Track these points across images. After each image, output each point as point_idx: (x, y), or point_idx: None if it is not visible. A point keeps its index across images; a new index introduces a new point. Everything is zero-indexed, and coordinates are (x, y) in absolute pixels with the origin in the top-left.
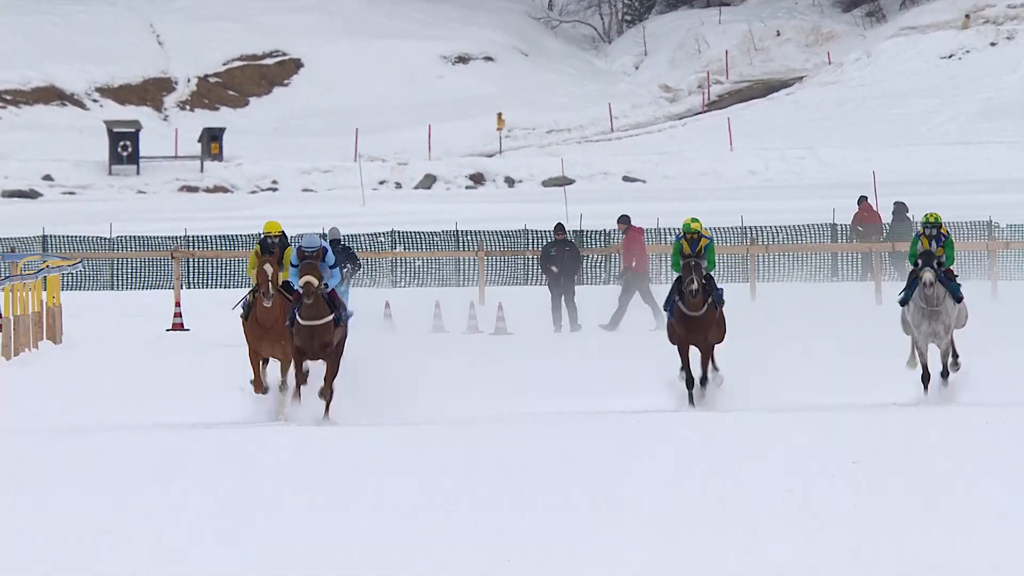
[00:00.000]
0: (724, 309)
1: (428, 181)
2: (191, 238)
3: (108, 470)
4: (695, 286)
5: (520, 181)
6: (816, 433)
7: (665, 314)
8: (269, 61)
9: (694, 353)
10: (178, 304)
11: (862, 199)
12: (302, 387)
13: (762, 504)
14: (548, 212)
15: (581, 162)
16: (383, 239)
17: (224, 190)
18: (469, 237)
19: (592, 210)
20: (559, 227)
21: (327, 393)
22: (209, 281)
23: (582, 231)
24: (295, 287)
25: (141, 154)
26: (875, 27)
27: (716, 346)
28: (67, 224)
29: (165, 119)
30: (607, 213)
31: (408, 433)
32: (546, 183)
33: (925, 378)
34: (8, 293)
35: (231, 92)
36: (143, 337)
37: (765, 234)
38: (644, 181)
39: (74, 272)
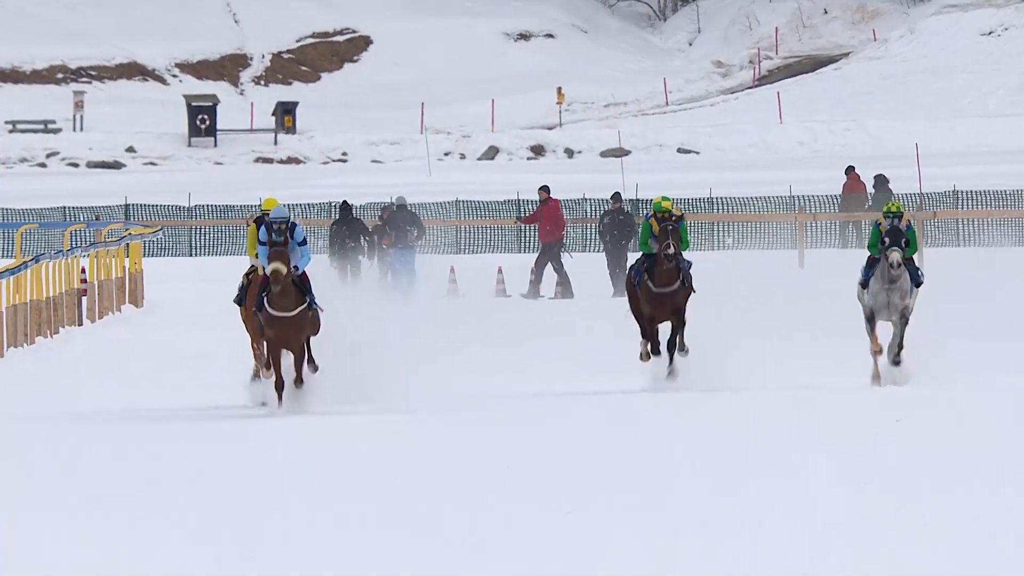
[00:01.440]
0: (693, 291)
1: (491, 152)
2: None
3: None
4: (671, 250)
5: (579, 152)
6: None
7: (633, 289)
8: (340, 38)
9: (662, 329)
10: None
11: (849, 169)
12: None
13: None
14: (606, 182)
15: (637, 134)
16: (448, 207)
17: (297, 161)
18: (530, 206)
19: (648, 180)
20: (616, 196)
21: (301, 381)
22: None
23: (638, 200)
24: (263, 269)
25: (218, 127)
26: (918, 5)
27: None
28: (148, 194)
29: (241, 94)
30: (662, 183)
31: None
32: (604, 154)
33: (889, 346)
34: (93, 259)
35: (303, 68)
36: (219, 301)
37: (813, 203)
38: (697, 152)
39: (155, 239)
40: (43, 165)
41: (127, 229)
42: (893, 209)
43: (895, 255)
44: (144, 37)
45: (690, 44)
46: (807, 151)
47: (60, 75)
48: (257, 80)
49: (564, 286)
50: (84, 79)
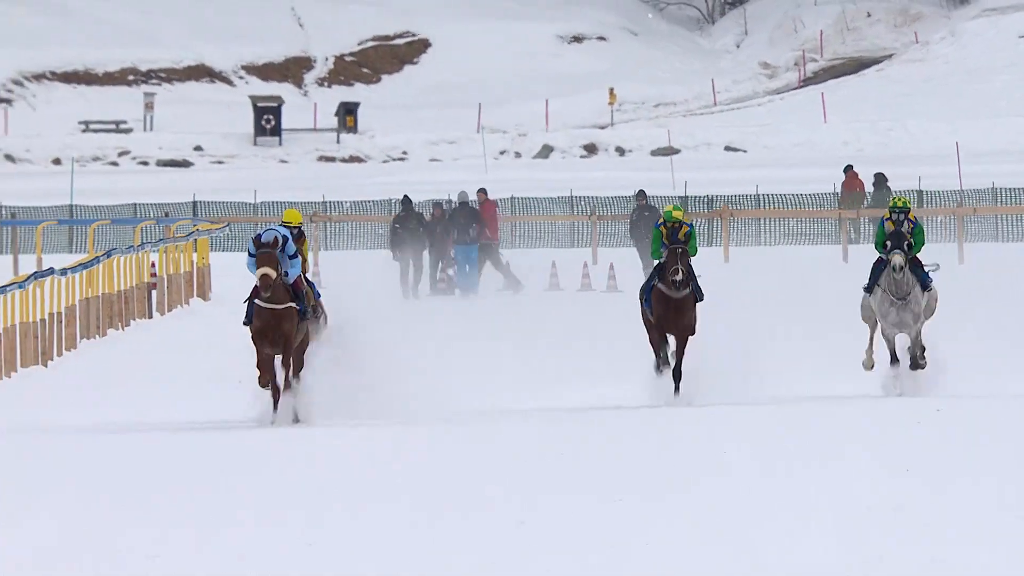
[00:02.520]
0: (701, 305)
1: (545, 151)
2: (328, 203)
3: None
4: (679, 276)
5: (630, 151)
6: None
7: (643, 306)
8: (400, 41)
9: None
10: (316, 264)
11: (848, 168)
12: (280, 383)
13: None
14: (656, 179)
15: (686, 133)
16: (504, 204)
17: (358, 160)
18: (583, 202)
19: (696, 177)
20: (640, 193)
21: (288, 386)
22: (344, 243)
23: (687, 197)
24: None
25: (283, 127)
26: (959, 8)
27: (688, 339)
28: (215, 191)
29: (305, 95)
30: (710, 180)
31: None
32: (654, 152)
33: (893, 363)
34: (162, 254)
35: (365, 70)
36: None
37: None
38: (745, 151)
39: (221, 235)
40: (115, 164)
41: (195, 225)
42: (899, 204)
43: (897, 258)
44: (212, 40)
45: (737, 46)
46: (851, 150)
47: (131, 77)
48: (320, 82)
49: (509, 280)
50: (154, 81)
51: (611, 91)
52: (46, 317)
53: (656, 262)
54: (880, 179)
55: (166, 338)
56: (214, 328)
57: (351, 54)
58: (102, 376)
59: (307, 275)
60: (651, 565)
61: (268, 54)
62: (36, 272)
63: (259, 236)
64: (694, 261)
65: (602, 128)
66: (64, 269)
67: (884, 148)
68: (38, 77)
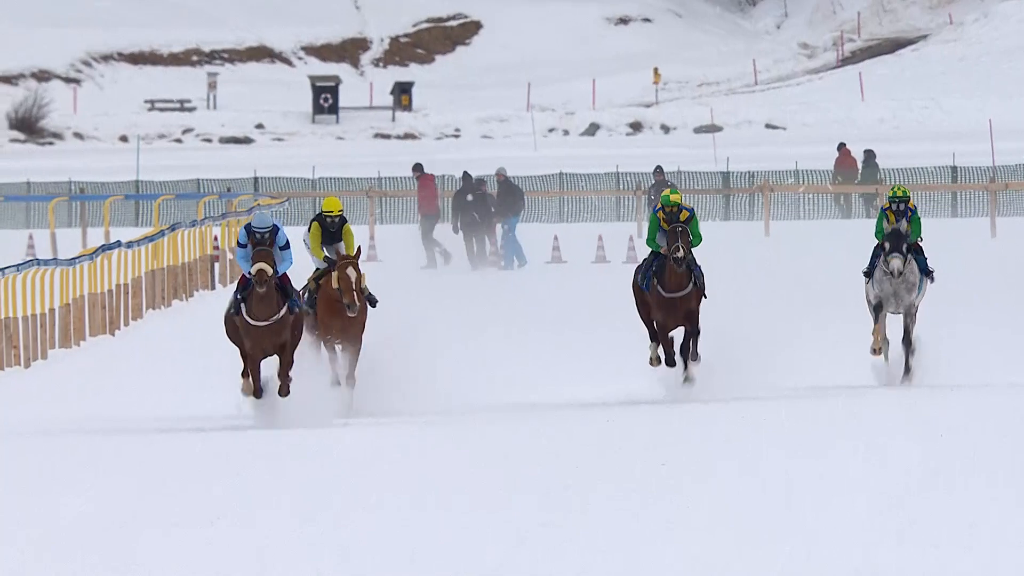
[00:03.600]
0: (705, 296)
1: (592, 129)
2: (383, 179)
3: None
4: (680, 253)
5: (674, 128)
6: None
7: (641, 289)
8: (453, 23)
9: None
10: (372, 237)
11: (841, 146)
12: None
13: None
14: (699, 155)
15: (728, 111)
16: (552, 180)
17: (413, 137)
18: (628, 178)
19: (737, 154)
20: (658, 169)
21: (286, 390)
22: (399, 217)
23: (729, 173)
24: (245, 272)
25: (340, 105)
26: None
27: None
28: (275, 167)
29: (361, 74)
30: (752, 156)
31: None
32: (697, 130)
33: (901, 341)
34: (224, 228)
35: (419, 50)
36: None
37: (893, 175)
38: (784, 128)
39: (281, 209)
40: (179, 141)
41: (256, 200)
42: (899, 194)
43: (896, 263)
44: (272, 22)
45: (778, 27)
46: (887, 127)
47: (195, 58)
48: (376, 62)
49: (443, 253)
50: (217, 61)
51: (656, 71)
52: (113, 288)
53: (652, 251)
54: (869, 156)
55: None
56: None
57: (406, 35)
58: (166, 345)
59: (359, 259)
60: (671, 562)
61: (326, 35)
62: (104, 245)
63: (252, 227)
64: (707, 257)
65: (647, 107)
66: (131, 242)
67: (919, 125)
68: (106, 58)
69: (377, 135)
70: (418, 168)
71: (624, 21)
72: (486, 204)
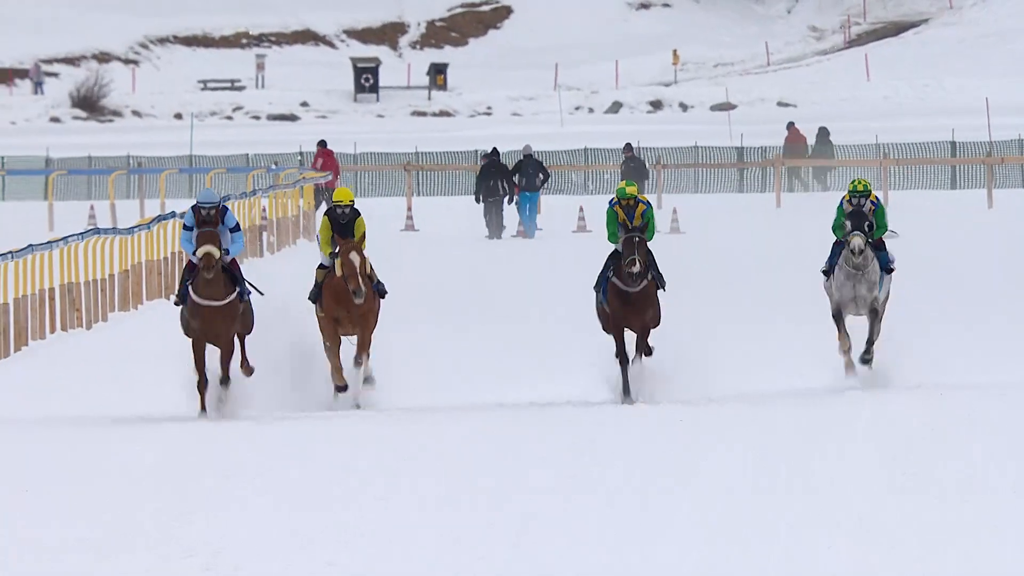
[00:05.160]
0: (662, 293)
1: (615, 107)
2: (420, 154)
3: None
4: (636, 268)
5: (692, 106)
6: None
7: (599, 297)
8: (485, 8)
9: (629, 337)
10: (410, 209)
11: (790, 125)
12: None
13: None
14: (715, 131)
15: (743, 90)
16: (578, 155)
17: (447, 114)
18: (649, 153)
19: (751, 130)
20: (627, 146)
21: (227, 380)
22: (435, 189)
23: (743, 148)
24: (190, 255)
25: (380, 85)
26: None
27: (652, 331)
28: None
29: (399, 56)
30: (764, 132)
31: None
32: (713, 108)
33: (866, 342)
34: (272, 200)
35: (454, 34)
36: (382, 236)
37: (896, 150)
38: (795, 106)
39: (324, 182)
40: (229, 118)
41: (301, 174)
42: (859, 188)
43: (856, 240)
44: (316, 8)
45: (789, 12)
46: (891, 105)
47: (244, 41)
48: (413, 44)
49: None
50: (265, 44)
51: (675, 53)
52: (168, 255)
53: (612, 250)
54: (823, 132)
55: (276, 273)
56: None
57: (441, 20)
58: None
59: (365, 256)
60: (658, 563)
61: (367, 20)
62: (160, 215)
63: (199, 203)
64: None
65: (666, 86)
66: (184, 212)
67: (921, 103)
68: (162, 41)
69: (414, 112)
70: (322, 143)
71: (645, 6)
72: (508, 178)
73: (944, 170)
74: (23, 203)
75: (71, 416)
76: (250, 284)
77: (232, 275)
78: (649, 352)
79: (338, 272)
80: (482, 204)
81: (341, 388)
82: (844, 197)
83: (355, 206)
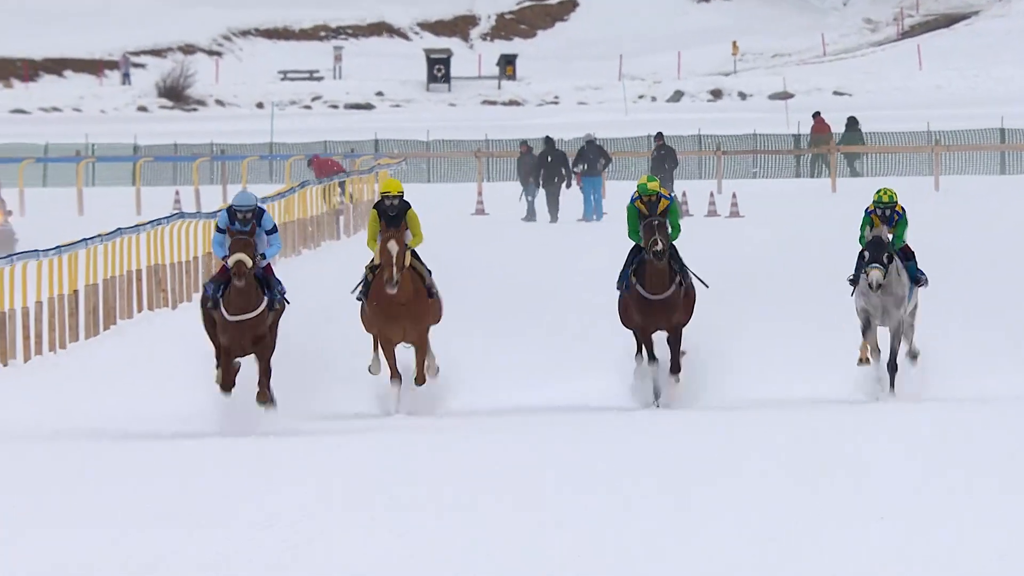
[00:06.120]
0: (691, 291)
1: (677, 96)
2: (490, 141)
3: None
4: (660, 246)
5: (750, 95)
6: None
7: (618, 292)
8: (552, 1)
9: (659, 337)
10: (480, 194)
11: (816, 114)
12: (233, 388)
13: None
14: (773, 119)
15: (799, 80)
16: (641, 142)
17: (516, 103)
18: (709, 140)
19: (808, 118)
20: (659, 135)
21: (265, 397)
22: (504, 175)
23: (799, 135)
24: (221, 260)
25: (452, 75)
26: None
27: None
28: (394, 131)
29: (471, 47)
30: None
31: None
32: (771, 96)
33: (887, 363)
34: (349, 185)
35: (522, 26)
36: (454, 219)
37: (947, 137)
38: (850, 95)
39: (399, 168)
40: (308, 107)
41: (376, 160)
42: (885, 199)
43: (875, 274)
44: (391, 1)
45: (844, 4)
46: (942, 94)
47: (323, 33)
48: (484, 36)
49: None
50: (342, 36)
51: (734, 43)
52: None
53: (633, 245)
54: (852, 122)
55: (352, 256)
56: None
57: (511, 12)
58: (297, 289)
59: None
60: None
61: (439, 13)
62: None
63: (234, 207)
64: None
65: (726, 76)
66: (265, 198)
67: (971, 92)
68: (244, 33)
69: (485, 102)
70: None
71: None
72: (566, 163)
73: (993, 156)
74: (112, 188)
75: (154, 392)
76: (280, 293)
77: (265, 282)
78: (678, 368)
79: (376, 260)
80: (533, 190)
81: (396, 378)
82: (869, 207)
83: (404, 197)
